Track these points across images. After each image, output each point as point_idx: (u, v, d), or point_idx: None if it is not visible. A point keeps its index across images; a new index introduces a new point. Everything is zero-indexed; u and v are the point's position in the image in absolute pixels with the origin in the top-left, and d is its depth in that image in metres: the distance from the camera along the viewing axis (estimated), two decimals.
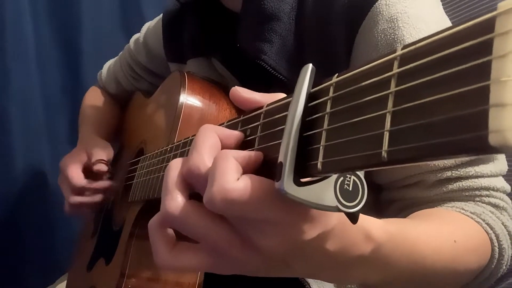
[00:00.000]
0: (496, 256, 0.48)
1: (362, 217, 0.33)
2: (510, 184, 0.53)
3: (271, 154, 0.28)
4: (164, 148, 0.56)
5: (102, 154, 0.83)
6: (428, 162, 0.49)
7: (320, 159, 0.23)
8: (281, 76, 0.59)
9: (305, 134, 0.25)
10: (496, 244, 0.47)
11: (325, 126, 0.23)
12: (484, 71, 0.15)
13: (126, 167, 0.82)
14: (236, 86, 0.34)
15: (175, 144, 0.52)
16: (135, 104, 0.96)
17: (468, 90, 0.15)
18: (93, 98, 1.01)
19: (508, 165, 0.53)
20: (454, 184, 0.50)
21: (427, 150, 0.16)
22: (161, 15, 0.86)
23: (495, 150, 0.14)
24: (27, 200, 1.11)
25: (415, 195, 0.52)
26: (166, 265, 0.31)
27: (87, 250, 0.89)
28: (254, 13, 0.61)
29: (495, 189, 0.50)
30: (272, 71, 0.59)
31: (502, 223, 0.49)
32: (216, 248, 0.30)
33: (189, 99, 0.63)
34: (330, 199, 0.26)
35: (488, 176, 0.50)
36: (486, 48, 0.15)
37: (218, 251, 0.30)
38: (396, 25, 0.50)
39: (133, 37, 0.97)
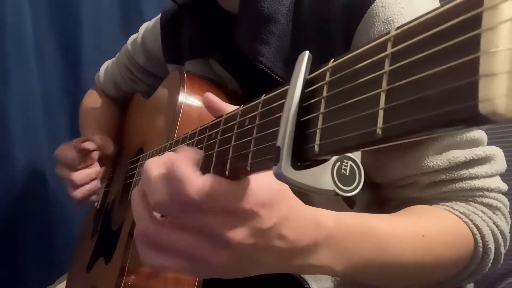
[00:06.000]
0: (480, 255, 0.49)
1: (313, 208, 0.37)
2: (508, 184, 0.53)
3: (269, 141, 0.29)
4: (164, 145, 0.56)
5: (99, 140, 0.85)
6: (422, 164, 0.50)
7: (317, 141, 0.23)
8: (277, 77, 0.59)
9: (302, 119, 0.25)
10: (480, 244, 0.49)
11: (322, 109, 0.24)
12: (474, 44, 0.15)
13: (126, 167, 0.82)
14: (208, 93, 0.40)
15: (174, 140, 0.53)
16: (134, 105, 0.96)
17: (459, 63, 0.16)
18: (91, 102, 1.02)
19: (508, 165, 0.53)
20: (448, 187, 0.51)
21: (420, 124, 0.17)
22: (159, 15, 0.86)
23: (486, 119, 0.15)
24: (27, 200, 1.11)
25: (409, 196, 0.53)
26: (149, 262, 0.35)
27: (87, 250, 0.89)
28: (251, 15, 0.61)
29: (489, 189, 0.51)
30: (269, 72, 0.59)
31: (494, 223, 0.50)
32: (190, 255, 0.34)
33: (188, 98, 0.64)
34: (327, 183, 0.26)
35: (483, 177, 0.51)
36: (476, 22, 0.15)
37: (191, 257, 0.34)
38: (392, 26, 0.50)
39: (130, 38, 0.96)
